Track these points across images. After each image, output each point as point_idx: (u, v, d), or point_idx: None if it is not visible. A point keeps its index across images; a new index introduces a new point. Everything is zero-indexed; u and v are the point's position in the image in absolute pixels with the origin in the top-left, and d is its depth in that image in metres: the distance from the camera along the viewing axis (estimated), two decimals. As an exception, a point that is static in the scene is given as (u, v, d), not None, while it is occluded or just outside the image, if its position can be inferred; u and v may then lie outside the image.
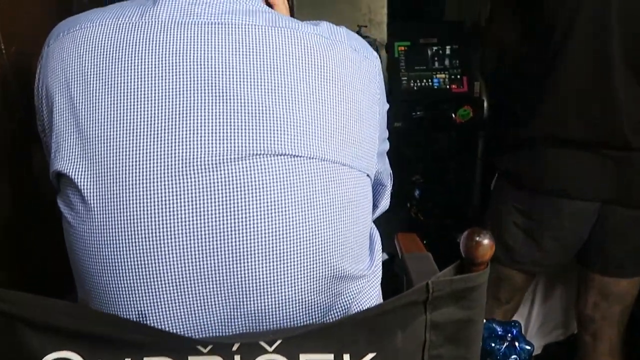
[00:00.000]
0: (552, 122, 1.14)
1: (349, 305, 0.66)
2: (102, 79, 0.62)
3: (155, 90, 0.61)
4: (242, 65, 0.62)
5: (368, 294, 0.69)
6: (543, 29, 1.12)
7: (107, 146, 0.60)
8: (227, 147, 0.59)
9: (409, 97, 2.16)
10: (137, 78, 0.61)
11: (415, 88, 2.17)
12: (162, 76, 0.61)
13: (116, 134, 0.60)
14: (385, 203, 0.92)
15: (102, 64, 0.62)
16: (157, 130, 0.60)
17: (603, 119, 1.10)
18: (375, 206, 0.92)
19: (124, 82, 0.61)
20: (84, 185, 0.60)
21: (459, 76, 2.15)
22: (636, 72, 1.07)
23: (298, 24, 0.68)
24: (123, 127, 0.60)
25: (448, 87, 2.17)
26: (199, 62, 0.62)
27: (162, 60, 0.62)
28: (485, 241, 0.53)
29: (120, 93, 0.61)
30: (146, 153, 0.59)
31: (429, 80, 2.17)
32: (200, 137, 0.59)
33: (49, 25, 1.10)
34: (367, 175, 0.72)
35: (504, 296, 1.36)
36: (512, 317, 1.42)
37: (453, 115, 2.13)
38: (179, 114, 0.60)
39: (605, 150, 1.13)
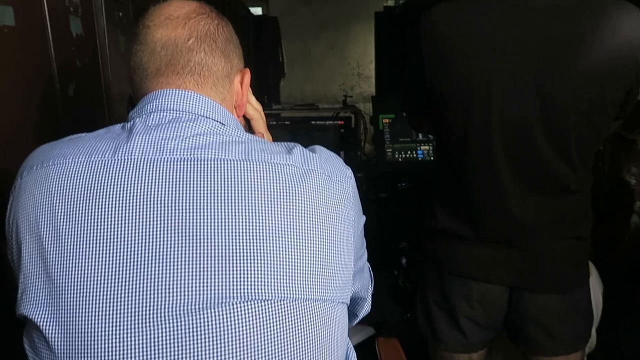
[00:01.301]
0: (458, 222, 1.21)
1: None
2: (72, 223, 0.61)
3: (124, 235, 0.60)
4: (212, 205, 0.62)
5: None
6: (445, 138, 1.20)
7: (75, 294, 0.59)
8: (194, 295, 0.58)
9: (394, 168, 2.19)
10: (106, 223, 0.61)
11: (399, 159, 2.20)
12: (131, 221, 0.61)
13: (84, 282, 0.59)
14: (366, 309, 0.91)
15: (73, 206, 0.62)
16: (126, 278, 0.59)
17: (502, 223, 1.17)
18: (354, 315, 0.91)
19: (93, 227, 0.61)
20: (49, 332, 0.59)
21: (442, 148, 2.18)
22: (527, 186, 1.14)
23: (271, 154, 0.68)
24: (92, 274, 0.59)
25: (432, 158, 2.19)
26: (169, 204, 0.62)
27: (132, 204, 0.62)
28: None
29: (89, 238, 0.60)
30: (115, 302, 0.58)
31: (413, 152, 2.21)
32: (169, 284, 0.59)
33: (30, 132, 1.10)
34: (342, 302, 0.71)
35: None
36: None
37: (438, 186, 2.16)
38: (148, 261, 0.59)
39: (508, 244, 1.20)
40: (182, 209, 0.62)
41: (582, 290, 1.26)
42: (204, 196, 0.63)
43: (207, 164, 0.65)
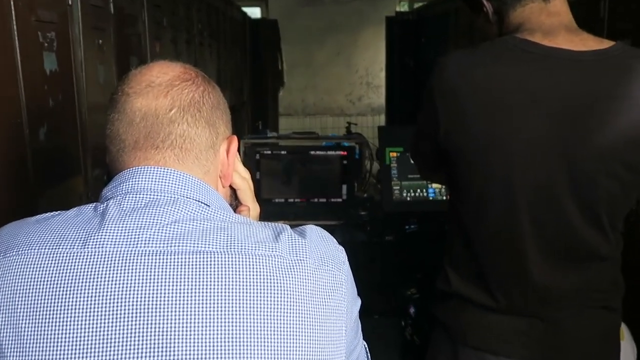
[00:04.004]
0: (474, 288, 1.22)
1: None
2: (35, 326, 0.63)
3: (89, 343, 0.62)
4: (188, 307, 0.64)
5: None
6: (460, 197, 1.21)
7: None
8: None
9: (402, 209, 2.20)
10: (72, 328, 0.63)
11: (408, 199, 2.21)
12: (99, 325, 0.63)
13: None
14: None
15: (36, 307, 0.64)
16: None
17: (523, 291, 1.18)
18: None
19: (57, 332, 0.63)
20: None
21: (456, 186, 2.20)
22: (551, 251, 1.15)
23: (255, 243, 0.70)
24: None
25: (445, 198, 2.20)
26: (142, 306, 0.64)
27: (101, 305, 0.63)
28: None
29: (53, 345, 0.62)
30: None
31: (424, 191, 2.22)
32: None
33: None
34: None
35: None
36: None
37: (450, 230, 2.17)
38: None
39: (530, 314, 1.20)
40: (157, 312, 0.64)
41: None
42: (180, 297, 0.64)
43: (185, 258, 0.67)
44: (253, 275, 0.67)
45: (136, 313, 0.64)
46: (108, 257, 0.66)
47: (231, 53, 4.76)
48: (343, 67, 8.19)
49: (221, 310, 0.65)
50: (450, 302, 1.28)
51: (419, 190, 2.22)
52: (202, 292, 0.65)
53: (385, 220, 2.26)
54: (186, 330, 0.64)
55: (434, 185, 2.23)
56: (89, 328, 0.63)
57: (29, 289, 0.65)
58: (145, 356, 0.62)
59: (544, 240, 1.14)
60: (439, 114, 1.13)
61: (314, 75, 8.10)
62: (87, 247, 0.67)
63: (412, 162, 2.30)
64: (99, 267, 0.66)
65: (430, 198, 2.22)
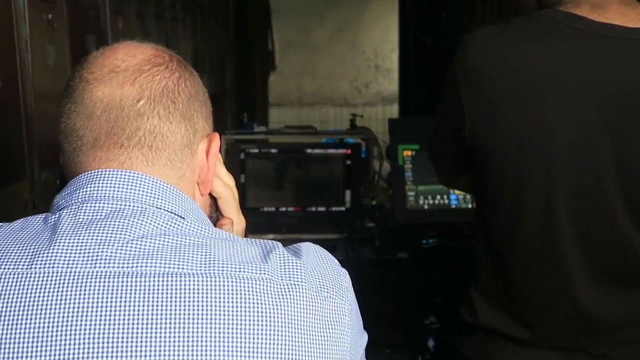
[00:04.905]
0: (506, 318, 1.23)
1: None
2: None
3: None
4: (157, 340, 0.64)
5: None
6: (489, 206, 1.23)
7: None
8: None
9: (418, 219, 2.21)
10: None
11: (426, 207, 2.22)
12: (47, 357, 0.63)
13: None
14: None
15: None
16: None
17: (566, 321, 1.20)
18: None
19: None
20: None
21: (484, 191, 2.21)
22: (601, 272, 1.17)
23: (240, 263, 0.70)
24: None
25: (469, 206, 2.22)
26: (99, 337, 0.63)
27: (50, 336, 0.63)
28: None
29: None
30: None
31: (445, 197, 2.23)
32: None
33: None
34: None
35: None
36: None
37: (477, 244, 2.18)
38: None
39: (575, 349, 1.22)
40: (121, 347, 0.64)
41: None
42: (149, 328, 0.65)
43: (154, 281, 0.67)
44: (237, 302, 0.68)
45: (94, 348, 0.64)
46: (60, 280, 0.66)
47: (211, 30, 4.77)
48: (347, 47, 8.21)
49: (199, 344, 0.65)
50: (476, 334, 1.29)
51: (438, 197, 2.23)
52: (176, 323, 0.65)
53: (398, 233, 2.27)
54: None
55: (457, 190, 2.23)
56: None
57: None
58: None
59: (591, 258, 1.15)
60: (462, 103, 1.14)
61: (312, 57, 8.12)
62: (35, 267, 0.67)
63: (429, 163, 2.31)
64: (49, 292, 0.66)
65: (453, 206, 2.23)
